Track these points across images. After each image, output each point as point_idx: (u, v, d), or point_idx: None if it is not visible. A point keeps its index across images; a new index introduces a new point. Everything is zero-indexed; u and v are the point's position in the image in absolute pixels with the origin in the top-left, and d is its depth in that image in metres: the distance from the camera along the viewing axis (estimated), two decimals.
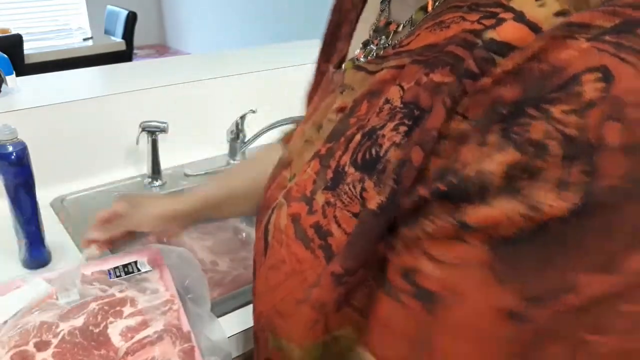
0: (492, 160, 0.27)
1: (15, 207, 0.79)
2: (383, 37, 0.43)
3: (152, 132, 1.08)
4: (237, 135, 1.21)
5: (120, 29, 3.60)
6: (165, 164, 1.15)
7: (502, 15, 0.30)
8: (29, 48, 2.98)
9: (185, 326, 0.65)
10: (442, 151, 0.30)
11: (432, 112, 0.31)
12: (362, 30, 0.49)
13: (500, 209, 0.26)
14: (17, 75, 1.13)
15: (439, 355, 0.29)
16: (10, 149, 0.75)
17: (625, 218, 0.24)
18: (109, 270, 0.74)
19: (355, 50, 0.47)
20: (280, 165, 0.50)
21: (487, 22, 0.31)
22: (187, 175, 1.17)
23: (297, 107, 1.31)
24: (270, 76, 1.33)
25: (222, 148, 1.26)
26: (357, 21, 0.51)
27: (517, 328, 0.26)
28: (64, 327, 0.63)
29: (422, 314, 0.29)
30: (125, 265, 0.75)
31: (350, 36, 0.52)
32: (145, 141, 1.10)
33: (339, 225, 0.35)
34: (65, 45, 3.28)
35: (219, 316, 0.75)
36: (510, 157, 0.26)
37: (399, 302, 0.31)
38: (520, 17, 0.29)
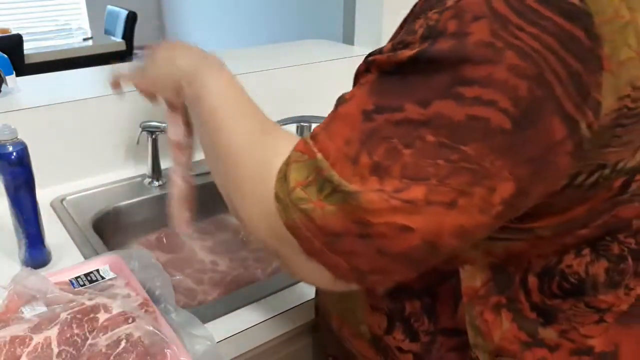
0: (391, 39, 0.44)
1: (15, 207, 0.79)
2: None
3: (152, 132, 1.08)
4: None
5: (120, 29, 3.60)
6: (165, 164, 1.15)
7: None
8: (29, 48, 2.98)
9: (165, 327, 0.65)
10: None
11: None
12: None
13: (383, 56, 0.42)
14: (17, 75, 1.13)
15: (331, 132, 0.43)
16: (10, 149, 0.74)
17: (441, 77, 0.38)
18: (70, 280, 0.72)
19: None
20: None
21: None
22: None
23: (297, 107, 1.31)
24: (270, 76, 1.33)
25: None
26: None
27: (365, 124, 0.41)
28: (38, 339, 0.62)
29: (332, 113, 0.44)
30: (87, 274, 0.73)
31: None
32: (145, 141, 1.10)
33: None
34: (65, 45, 3.28)
35: (219, 316, 0.75)
36: (400, 38, 0.42)
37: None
38: None
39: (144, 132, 1.08)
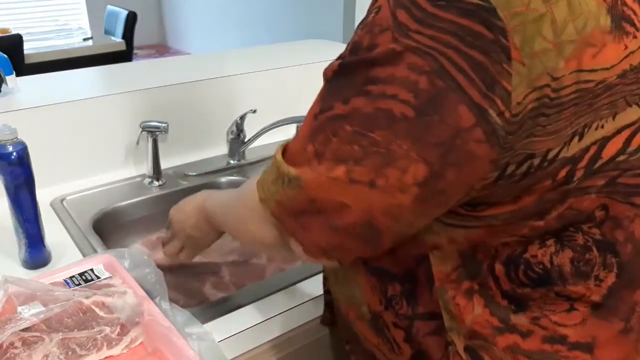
0: None
1: (15, 207, 0.79)
2: None
3: (152, 132, 1.08)
4: (237, 135, 1.21)
5: (120, 29, 3.60)
6: (165, 164, 1.15)
7: None
8: (29, 48, 2.98)
9: (165, 320, 0.66)
10: None
11: None
12: None
13: (327, 67, 0.50)
14: (17, 75, 1.13)
15: (297, 136, 0.52)
16: (10, 149, 0.75)
17: (356, 79, 0.45)
18: (65, 280, 0.73)
19: None
20: None
21: None
22: (187, 175, 1.17)
23: (297, 107, 1.31)
24: (271, 76, 1.33)
25: (222, 148, 1.26)
26: None
27: (313, 123, 0.49)
28: (50, 337, 0.62)
29: None
30: (82, 274, 0.74)
31: None
32: (145, 141, 1.10)
33: None
34: (65, 45, 3.27)
35: (219, 316, 0.75)
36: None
37: None
38: None
39: (144, 132, 1.08)
